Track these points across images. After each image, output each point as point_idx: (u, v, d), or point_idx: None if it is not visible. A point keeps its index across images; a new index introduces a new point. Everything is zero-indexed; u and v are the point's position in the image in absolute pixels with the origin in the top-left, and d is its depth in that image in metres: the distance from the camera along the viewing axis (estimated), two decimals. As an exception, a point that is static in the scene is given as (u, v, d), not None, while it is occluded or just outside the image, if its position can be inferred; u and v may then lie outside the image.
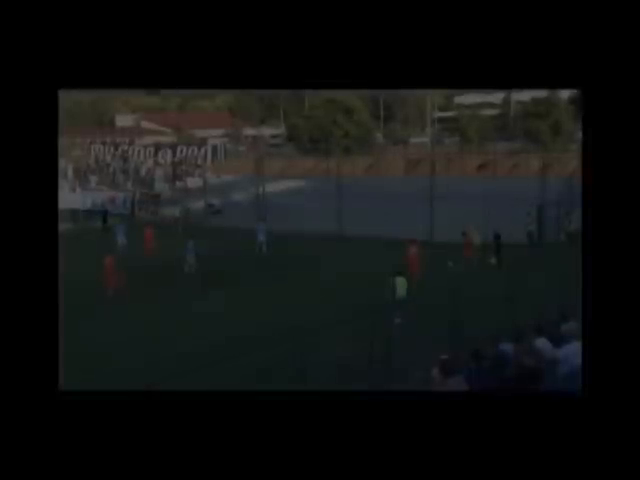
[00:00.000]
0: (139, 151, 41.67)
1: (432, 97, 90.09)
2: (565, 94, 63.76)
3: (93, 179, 41.56)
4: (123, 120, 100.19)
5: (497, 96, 79.30)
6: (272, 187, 37.31)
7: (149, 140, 60.78)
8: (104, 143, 44.88)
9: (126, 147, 42.98)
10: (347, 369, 12.50)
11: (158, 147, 42.12)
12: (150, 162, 41.13)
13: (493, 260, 23.08)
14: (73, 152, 52.43)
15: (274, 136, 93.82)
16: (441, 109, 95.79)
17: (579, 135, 40.75)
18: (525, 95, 68.68)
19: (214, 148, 38.72)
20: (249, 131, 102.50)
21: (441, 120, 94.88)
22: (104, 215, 33.70)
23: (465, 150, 63.91)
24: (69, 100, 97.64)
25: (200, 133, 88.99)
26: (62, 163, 44.41)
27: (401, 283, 17.01)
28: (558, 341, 9.04)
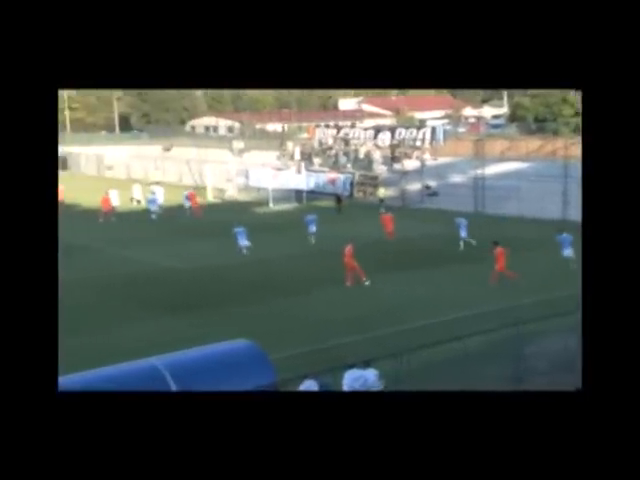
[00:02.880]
0: (359, 133, 42.65)
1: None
2: None
3: (316, 161, 43.40)
4: (346, 104, 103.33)
5: None
6: (492, 169, 35.98)
7: (369, 123, 62.01)
8: (328, 126, 46.61)
9: (347, 130, 44.23)
10: (558, 363, 11.72)
11: (378, 129, 42.74)
12: (369, 144, 41.89)
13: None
14: (300, 135, 55.30)
15: (496, 116, 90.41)
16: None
17: None
18: None
19: (433, 130, 38.29)
20: (470, 112, 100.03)
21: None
22: (338, 196, 34.84)
23: None
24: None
25: (420, 115, 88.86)
26: (290, 146, 47.06)
27: None
28: None
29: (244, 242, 24.32)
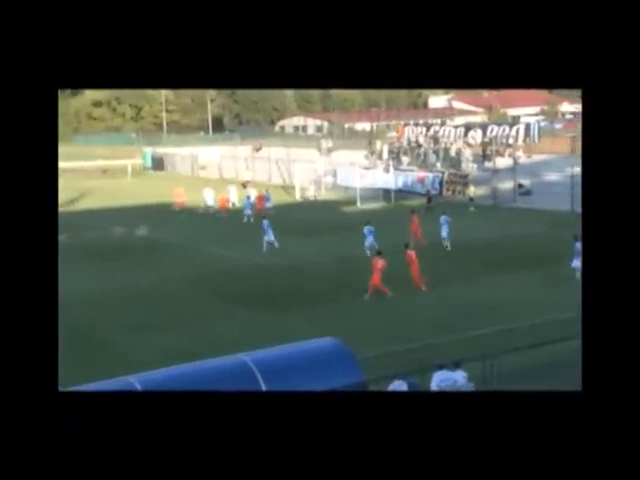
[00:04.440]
0: (449, 131, 41.99)
1: None
2: None
3: (405, 160, 43.10)
4: (436, 101, 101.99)
5: None
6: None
7: (460, 120, 60.92)
8: (417, 124, 46.21)
9: (437, 128, 43.66)
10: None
11: (468, 127, 41.95)
12: (460, 142, 41.18)
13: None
14: (389, 134, 55.05)
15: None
16: None
17: None
18: None
19: (527, 127, 37.18)
20: (567, 108, 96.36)
21: None
22: (429, 196, 34.33)
23: None
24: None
25: (513, 111, 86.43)
26: (378, 145, 46.99)
27: None
28: None
29: (270, 237, 24.38)
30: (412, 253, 19.05)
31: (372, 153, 46.12)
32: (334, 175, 41.99)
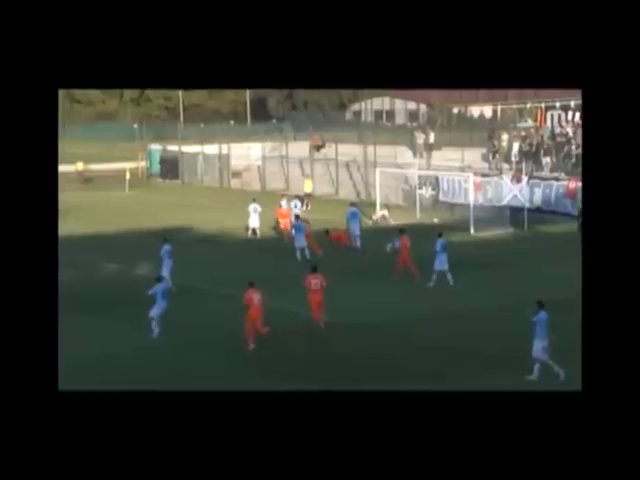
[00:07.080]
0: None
1: None
2: None
3: (547, 162, 42.51)
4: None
5: None
6: None
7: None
8: (566, 108, 45.69)
9: (598, 113, 43.02)
10: None
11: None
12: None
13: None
14: (521, 123, 54.35)
15: None
16: None
17: None
18: None
19: None
20: None
21: None
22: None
23: None
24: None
25: None
26: (504, 139, 46.61)
27: None
28: None
29: (167, 271, 25.58)
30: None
31: (494, 153, 45.81)
32: (434, 186, 41.86)
